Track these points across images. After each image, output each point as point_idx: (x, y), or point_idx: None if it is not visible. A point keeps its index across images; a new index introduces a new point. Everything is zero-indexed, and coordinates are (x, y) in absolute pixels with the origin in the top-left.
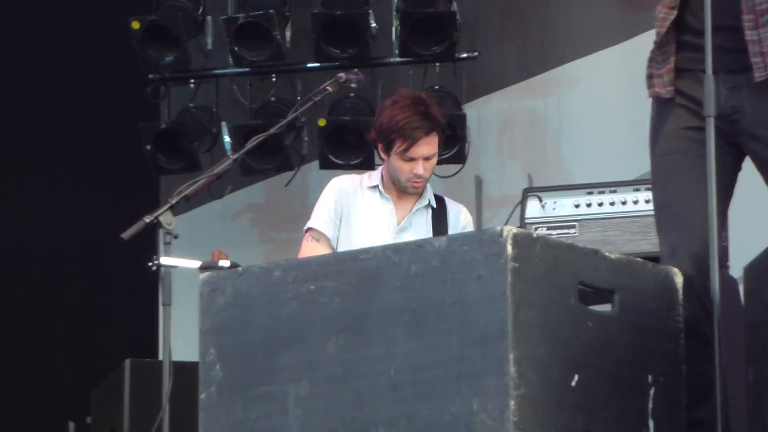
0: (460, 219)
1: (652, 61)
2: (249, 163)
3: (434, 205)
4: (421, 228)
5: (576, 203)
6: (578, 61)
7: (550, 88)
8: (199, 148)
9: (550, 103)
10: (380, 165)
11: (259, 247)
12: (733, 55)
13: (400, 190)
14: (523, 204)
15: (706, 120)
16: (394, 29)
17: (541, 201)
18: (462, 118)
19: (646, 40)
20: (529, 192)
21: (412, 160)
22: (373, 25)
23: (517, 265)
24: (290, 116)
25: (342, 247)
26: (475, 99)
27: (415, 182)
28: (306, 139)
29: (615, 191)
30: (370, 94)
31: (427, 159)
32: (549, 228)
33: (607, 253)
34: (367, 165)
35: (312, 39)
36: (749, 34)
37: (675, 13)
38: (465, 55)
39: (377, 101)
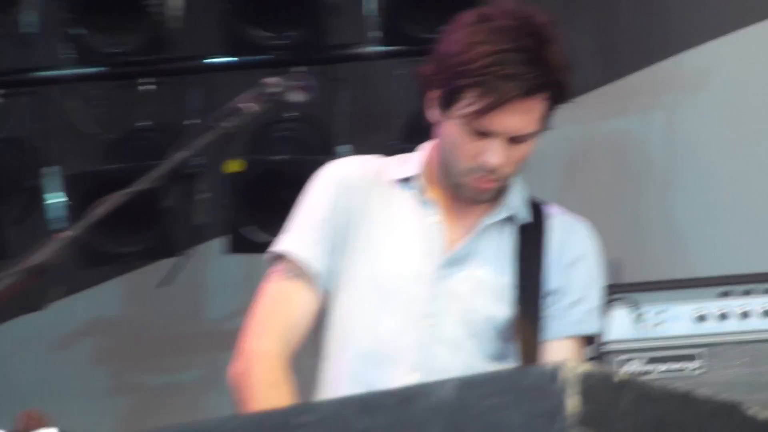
0: (572, 244)
1: None
2: (94, 244)
3: (524, 218)
4: (490, 260)
5: (699, 313)
6: (706, 46)
7: (653, 96)
8: (5, 215)
9: (654, 122)
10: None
11: (109, 400)
12: None
13: (455, 189)
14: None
15: None
16: None
17: (635, 308)
18: None
19: None
20: (613, 291)
21: (486, 135)
22: None
23: None
24: (176, 156)
25: (341, 297)
26: None
27: (484, 180)
28: (203, 197)
29: None
30: (327, 113)
31: (515, 140)
32: (650, 360)
33: (754, 411)
34: None
35: (220, 16)
36: None
37: None
38: None
39: (344, 124)
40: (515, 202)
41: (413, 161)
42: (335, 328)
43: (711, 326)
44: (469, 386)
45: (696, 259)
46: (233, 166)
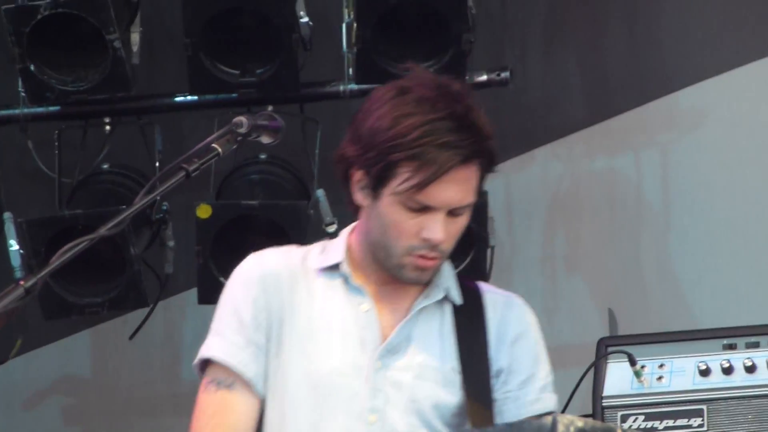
0: (511, 322)
1: None
2: (59, 294)
3: (457, 299)
4: (429, 345)
5: (703, 366)
6: (701, 84)
7: (646, 135)
8: None
9: (647, 162)
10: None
11: None
12: None
13: (388, 273)
14: (599, 368)
15: None
16: (344, 29)
17: (634, 363)
18: (478, 205)
19: None
20: (610, 344)
21: (426, 209)
22: (305, 20)
23: None
24: (139, 201)
25: (275, 401)
26: (505, 160)
27: (425, 258)
28: (171, 245)
29: None
30: (298, 154)
31: (454, 213)
32: (650, 416)
33: None
34: None
35: (184, 51)
36: None
37: None
38: (485, 77)
39: (314, 166)
40: (447, 282)
41: (335, 248)
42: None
43: (715, 380)
44: None
45: (697, 309)
46: (201, 211)
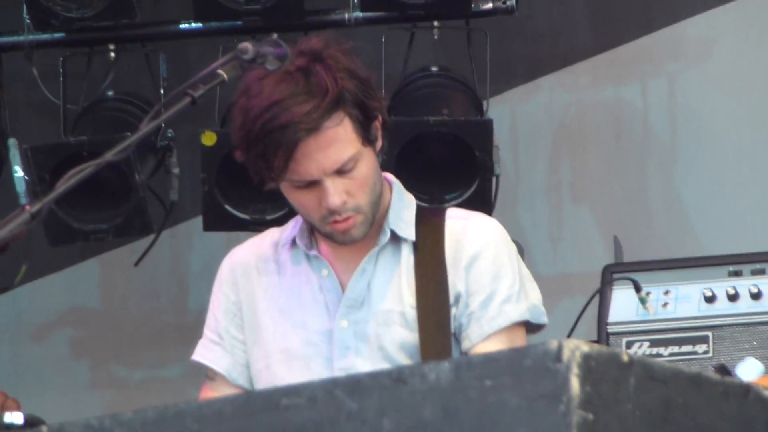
0: (466, 245)
1: None
2: (64, 221)
3: (411, 237)
4: (389, 289)
5: (708, 293)
6: (708, 13)
7: (653, 64)
8: None
9: (654, 92)
10: None
11: (88, 393)
12: None
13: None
14: (604, 294)
15: None
16: None
17: (639, 289)
18: (484, 128)
19: None
20: (615, 271)
21: (310, 185)
22: None
23: (591, 417)
24: (145, 127)
25: (260, 382)
26: (510, 89)
27: (340, 222)
28: (176, 172)
29: None
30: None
31: (341, 171)
32: (655, 342)
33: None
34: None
35: None
36: None
37: None
38: (490, 5)
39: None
40: (393, 224)
41: (294, 222)
42: None
43: (720, 307)
44: (465, 367)
45: (703, 237)
46: (207, 138)
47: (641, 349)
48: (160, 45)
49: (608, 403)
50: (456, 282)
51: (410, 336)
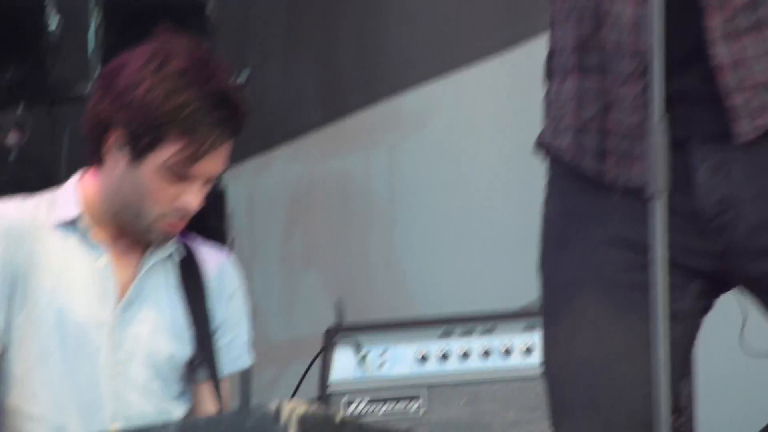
0: (228, 277)
1: (551, 109)
2: None
3: (182, 253)
4: (163, 299)
5: (422, 353)
6: (425, 88)
7: (374, 136)
8: None
9: (376, 161)
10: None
11: None
12: (706, 107)
13: (130, 231)
14: (326, 355)
15: (652, 202)
16: (92, 30)
17: (359, 349)
18: (218, 198)
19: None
20: (337, 333)
21: (186, 179)
22: (54, 21)
23: None
24: None
25: (24, 351)
26: (242, 161)
27: (176, 223)
28: None
29: (492, 330)
30: (49, 155)
31: (208, 182)
32: (373, 401)
33: None
34: None
35: None
36: (721, 52)
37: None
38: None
39: (66, 165)
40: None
41: (69, 201)
42: (21, 381)
43: (432, 367)
44: (191, 430)
45: (419, 299)
46: None
47: (359, 408)
48: None
49: None
50: (217, 309)
51: (179, 349)
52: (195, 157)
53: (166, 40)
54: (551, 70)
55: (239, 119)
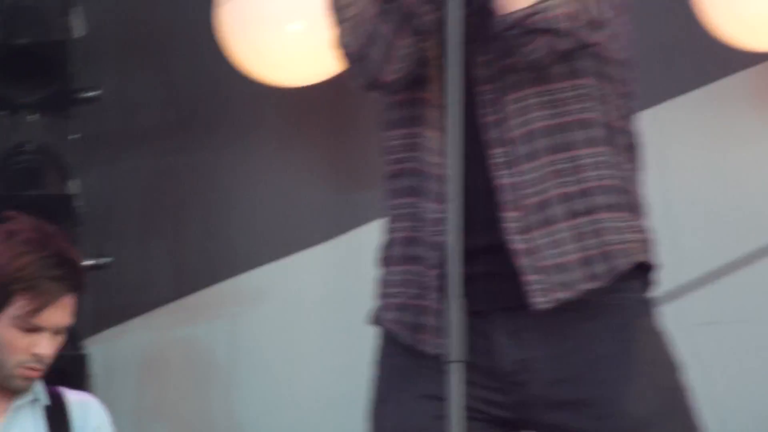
0: (91, 416)
1: (381, 290)
2: None
3: (45, 400)
4: None
5: None
6: (262, 269)
7: (218, 309)
8: None
9: (219, 331)
10: None
11: None
12: (506, 283)
13: (3, 381)
14: None
15: (450, 366)
16: None
17: None
18: (79, 363)
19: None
20: None
21: (36, 330)
22: None
23: None
24: None
25: None
26: (102, 330)
27: (34, 370)
28: None
29: None
30: None
31: (57, 332)
32: None
33: None
34: None
35: None
36: (516, 241)
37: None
38: (91, 261)
39: None
40: (38, 387)
41: None
42: None
43: None
44: None
45: None
46: None
47: None
48: None
49: None
50: None
51: None
52: (38, 309)
53: (17, 220)
54: (383, 259)
55: (76, 275)
